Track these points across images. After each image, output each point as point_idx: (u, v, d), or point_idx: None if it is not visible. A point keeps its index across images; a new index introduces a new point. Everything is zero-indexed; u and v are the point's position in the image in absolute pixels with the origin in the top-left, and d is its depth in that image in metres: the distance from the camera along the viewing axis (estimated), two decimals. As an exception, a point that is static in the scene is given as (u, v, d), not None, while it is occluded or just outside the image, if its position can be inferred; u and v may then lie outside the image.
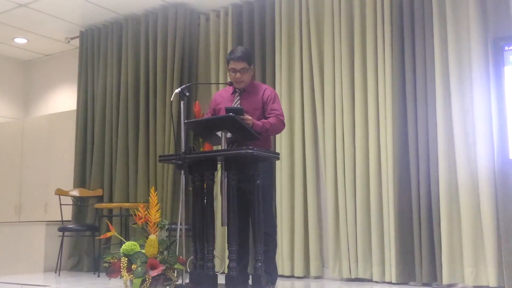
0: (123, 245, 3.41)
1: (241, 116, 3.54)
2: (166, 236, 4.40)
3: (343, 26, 4.90)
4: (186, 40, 5.78)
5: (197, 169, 3.58)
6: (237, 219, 3.42)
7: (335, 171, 4.82)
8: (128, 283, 3.35)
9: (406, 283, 4.41)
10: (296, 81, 5.13)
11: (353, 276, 4.65)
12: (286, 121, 4.47)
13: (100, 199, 5.94)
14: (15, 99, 7.65)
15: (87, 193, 5.99)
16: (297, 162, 5.02)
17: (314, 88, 5.05)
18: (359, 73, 4.78)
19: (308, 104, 5.05)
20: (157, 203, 3.55)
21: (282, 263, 4.93)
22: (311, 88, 5.07)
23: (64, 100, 7.20)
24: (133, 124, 5.90)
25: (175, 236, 3.68)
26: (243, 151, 3.33)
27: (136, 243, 3.42)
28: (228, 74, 3.97)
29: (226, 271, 3.46)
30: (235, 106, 3.81)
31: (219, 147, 3.65)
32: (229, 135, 3.54)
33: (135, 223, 3.61)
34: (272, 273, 3.76)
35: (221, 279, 3.44)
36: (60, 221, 5.70)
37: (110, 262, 3.41)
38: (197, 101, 5.05)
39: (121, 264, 3.33)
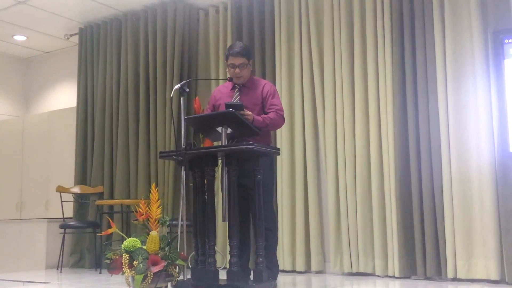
0: (125, 241, 3.42)
1: (241, 112, 3.54)
2: (167, 232, 4.41)
3: (342, 20, 4.89)
4: (186, 36, 5.77)
5: (198, 165, 3.58)
6: (238, 215, 3.42)
7: (336, 165, 4.82)
8: (130, 280, 3.35)
9: (408, 277, 4.41)
10: (296, 76, 5.12)
11: (354, 271, 4.65)
12: (286, 116, 4.47)
13: (101, 195, 5.94)
14: (15, 97, 7.65)
15: (88, 190, 6.00)
16: (298, 157, 5.02)
17: (314, 82, 5.04)
18: (359, 67, 4.77)
19: (308, 99, 5.04)
20: (158, 199, 3.55)
21: (283, 258, 4.93)
22: (311, 83, 5.06)
23: (64, 97, 7.21)
24: (133, 121, 5.90)
25: (176, 232, 3.68)
26: (244, 146, 3.33)
27: (137, 240, 3.42)
28: (227, 69, 3.96)
29: (227, 267, 3.46)
30: (234, 101, 3.81)
31: (220, 143, 3.65)
32: (229, 130, 3.54)
33: (136, 220, 3.61)
34: (273, 268, 3.77)
35: (223, 275, 3.45)
36: (61, 218, 5.71)
37: (111, 259, 3.41)
38: (197, 97, 5.01)
39: (123, 261, 3.33)
